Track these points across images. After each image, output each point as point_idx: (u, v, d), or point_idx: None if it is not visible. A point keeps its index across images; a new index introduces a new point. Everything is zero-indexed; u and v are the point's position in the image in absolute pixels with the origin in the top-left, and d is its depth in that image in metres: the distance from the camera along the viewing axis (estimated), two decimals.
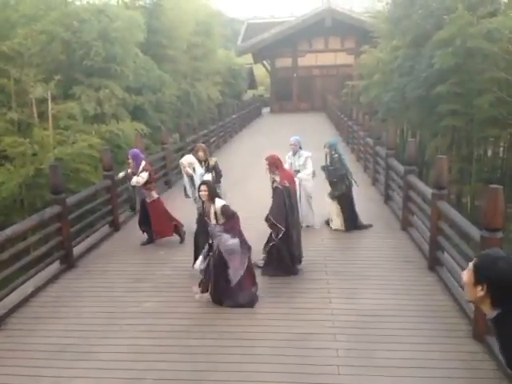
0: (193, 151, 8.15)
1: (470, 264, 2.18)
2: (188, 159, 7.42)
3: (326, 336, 4.60)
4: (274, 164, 6.01)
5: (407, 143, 8.13)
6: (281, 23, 33.82)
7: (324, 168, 7.75)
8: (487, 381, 3.86)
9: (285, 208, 5.85)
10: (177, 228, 7.39)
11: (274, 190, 5.98)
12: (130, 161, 7.29)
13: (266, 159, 6.06)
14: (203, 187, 5.23)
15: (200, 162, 7.51)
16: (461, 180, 13.74)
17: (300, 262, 6.13)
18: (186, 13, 19.22)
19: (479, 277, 2.10)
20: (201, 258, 5.40)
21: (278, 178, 5.94)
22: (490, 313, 2.11)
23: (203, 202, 5.32)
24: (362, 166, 12.85)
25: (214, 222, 5.20)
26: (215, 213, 5.17)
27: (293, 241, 5.95)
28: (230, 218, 5.18)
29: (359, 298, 5.39)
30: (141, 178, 7.08)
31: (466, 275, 2.18)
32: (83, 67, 12.45)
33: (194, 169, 7.32)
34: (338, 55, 33.50)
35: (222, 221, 5.19)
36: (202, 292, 5.41)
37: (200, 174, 7.28)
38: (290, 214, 5.91)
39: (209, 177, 7.23)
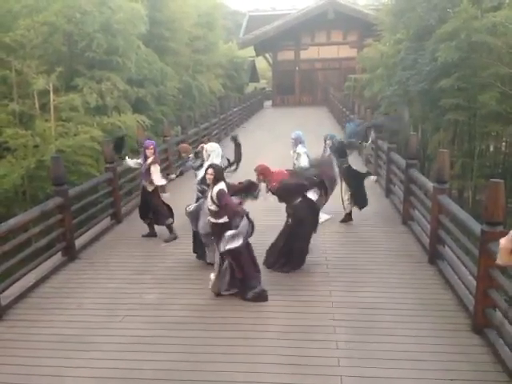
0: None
1: (511, 232, 2.21)
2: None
3: (326, 328, 4.63)
4: (262, 173, 5.79)
5: (409, 137, 8.10)
6: (283, 16, 33.64)
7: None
8: (486, 374, 3.88)
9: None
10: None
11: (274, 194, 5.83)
12: (151, 151, 7.07)
13: (255, 170, 5.86)
14: (210, 170, 5.05)
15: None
16: (463, 175, 13.72)
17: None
18: (188, 5, 19.13)
19: None
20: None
21: (268, 184, 5.79)
22: None
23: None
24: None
25: (210, 206, 5.07)
26: (211, 194, 5.00)
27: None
28: (222, 207, 4.94)
29: (359, 290, 5.41)
30: (157, 172, 7.03)
31: (504, 241, 2.19)
32: (85, 59, 12.41)
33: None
34: (341, 48, 33.33)
35: (213, 207, 5.02)
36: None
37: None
38: None
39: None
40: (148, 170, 7.06)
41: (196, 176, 6.42)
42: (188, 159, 6.91)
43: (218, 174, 5.07)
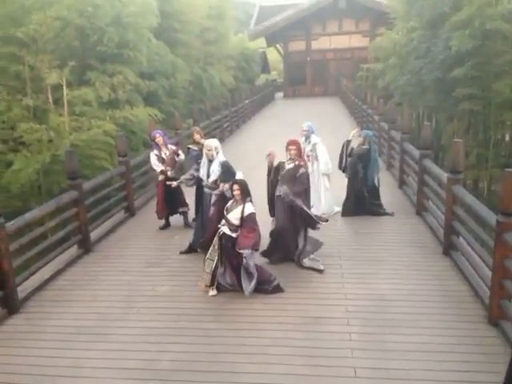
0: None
1: None
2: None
3: (340, 320, 4.63)
4: (297, 148, 5.90)
5: (423, 127, 8.02)
6: (294, 6, 33.29)
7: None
8: (502, 365, 3.83)
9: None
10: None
11: (301, 175, 5.80)
12: (160, 139, 7.33)
13: (293, 144, 5.87)
14: (236, 187, 5.06)
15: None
16: (477, 165, 13.54)
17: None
18: None
19: None
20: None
21: (302, 163, 5.92)
22: None
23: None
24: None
25: (234, 222, 5.06)
26: (242, 213, 5.01)
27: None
28: (249, 228, 5.00)
29: (373, 282, 5.40)
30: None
31: None
32: (97, 53, 12.47)
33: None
34: (353, 38, 32.94)
35: (237, 222, 5.04)
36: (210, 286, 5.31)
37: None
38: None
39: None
40: (171, 159, 7.32)
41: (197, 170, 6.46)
42: (191, 150, 6.95)
43: (245, 189, 5.10)
